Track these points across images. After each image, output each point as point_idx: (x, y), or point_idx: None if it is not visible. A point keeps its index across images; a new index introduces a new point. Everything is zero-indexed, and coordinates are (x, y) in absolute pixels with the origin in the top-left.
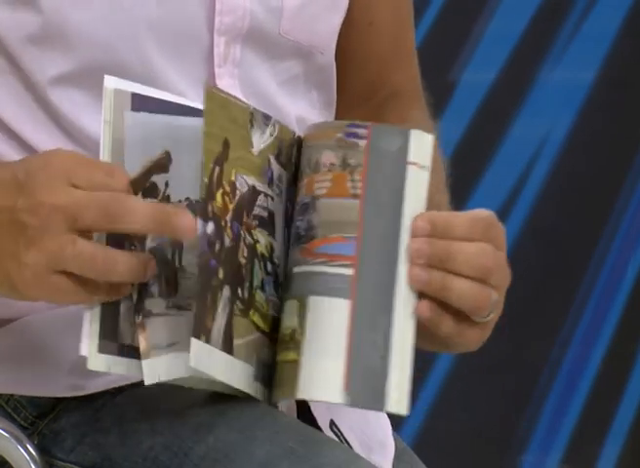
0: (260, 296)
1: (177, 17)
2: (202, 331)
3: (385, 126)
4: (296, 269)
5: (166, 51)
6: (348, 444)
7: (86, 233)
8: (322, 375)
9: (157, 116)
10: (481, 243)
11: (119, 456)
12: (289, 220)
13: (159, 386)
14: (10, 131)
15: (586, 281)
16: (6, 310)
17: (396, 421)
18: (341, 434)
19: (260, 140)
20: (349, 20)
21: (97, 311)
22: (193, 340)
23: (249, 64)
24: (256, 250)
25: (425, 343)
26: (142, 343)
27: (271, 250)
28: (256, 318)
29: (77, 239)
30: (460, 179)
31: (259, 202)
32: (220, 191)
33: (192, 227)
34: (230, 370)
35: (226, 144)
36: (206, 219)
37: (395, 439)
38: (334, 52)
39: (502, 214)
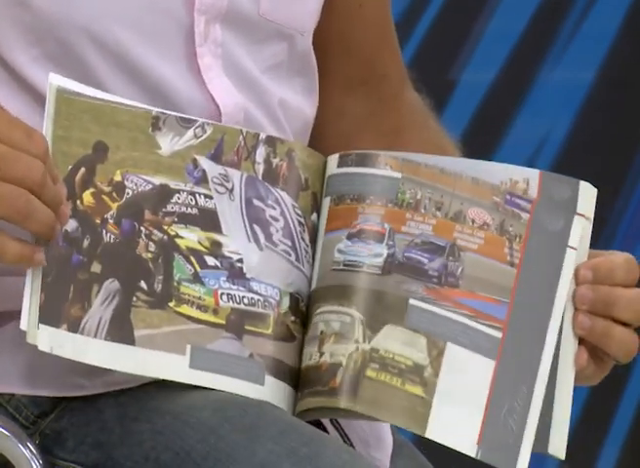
0: (191, 289)
1: None
2: (54, 320)
3: (549, 204)
4: (415, 302)
5: (144, 31)
6: (348, 438)
7: None
8: (458, 425)
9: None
10: (638, 289)
11: (121, 456)
12: (265, 220)
13: (160, 386)
14: None
15: None
16: (7, 303)
17: None
18: (341, 429)
19: (174, 142)
20: (341, 3)
21: (37, 284)
22: (41, 326)
23: (231, 46)
24: (176, 244)
25: None
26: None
27: (217, 245)
28: (185, 309)
29: None
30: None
31: (175, 199)
32: (91, 190)
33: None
34: (126, 359)
35: (100, 147)
36: None
37: (394, 433)
38: (311, 36)
39: None
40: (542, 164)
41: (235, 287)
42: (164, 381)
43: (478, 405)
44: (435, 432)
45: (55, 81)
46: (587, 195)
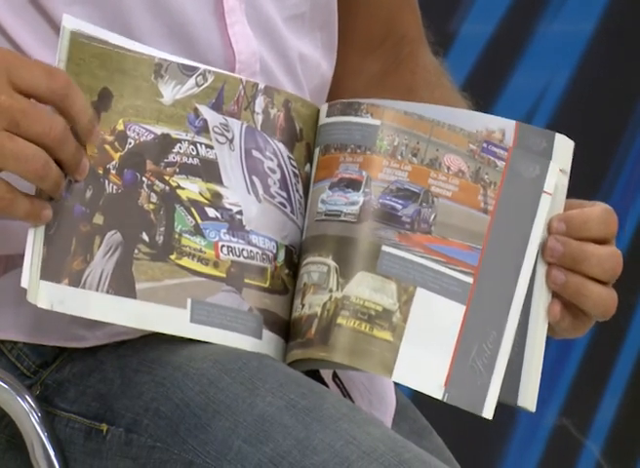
0: (192, 241)
1: None
2: (56, 275)
3: (525, 153)
4: (387, 248)
5: None
6: (350, 396)
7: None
8: (425, 368)
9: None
10: (612, 246)
11: (121, 407)
12: (263, 172)
13: (161, 337)
14: (14, 45)
15: None
16: (7, 245)
17: None
18: (343, 386)
19: (176, 91)
20: None
21: (40, 238)
22: (42, 283)
23: None
24: (177, 195)
25: None
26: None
27: (217, 196)
28: (186, 262)
29: (16, 137)
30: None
31: (177, 149)
32: None
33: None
34: (127, 312)
35: (105, 94)
36: None
37: (398, 394)
38: None
39: None
40: (542, 116)
41: (235, 239)
42: (164, 333)
43: (446, 348)
44: (402, 375)
45: (68, 24)
46: (563, 147)
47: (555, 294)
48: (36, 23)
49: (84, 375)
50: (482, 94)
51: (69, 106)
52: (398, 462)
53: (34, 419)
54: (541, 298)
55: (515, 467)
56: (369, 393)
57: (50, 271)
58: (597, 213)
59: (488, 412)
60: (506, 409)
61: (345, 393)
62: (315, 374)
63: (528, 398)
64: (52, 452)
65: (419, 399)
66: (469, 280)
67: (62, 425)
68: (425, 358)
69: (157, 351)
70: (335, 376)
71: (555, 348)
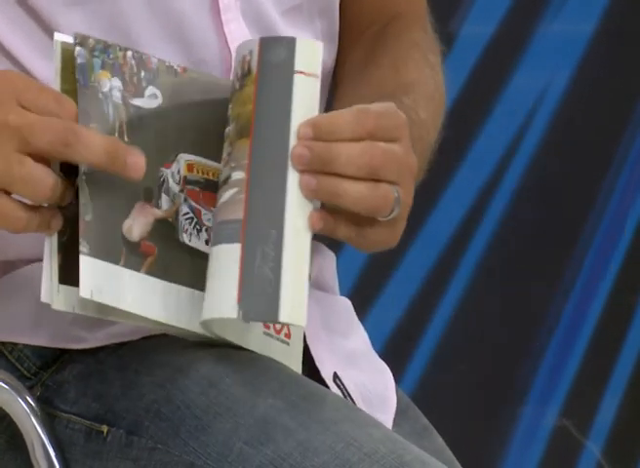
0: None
1: None
2: (74, 278)
3: (272, 37)
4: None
5: None
6: (351, 397)
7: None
8: (217, 294)
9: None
10: (366, 141)
11: (122, 409)
12: None
13: (161, 338)
14: (9, 56)
15: (586, 233)
16: (9, 251)
17: (395, 374)
18: (344, 387)
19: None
20: None
21: (54, 247)
22: (61, 288)
23: None
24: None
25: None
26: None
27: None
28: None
29: (26, 159)
30: (460, 131)
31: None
32: None
33: (142, 166)
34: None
35: None
36: None
37: (399, 394)
38: None
39: (501, 167)
40: (542, 116)
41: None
42: (164, 333)
43: (234, 267)
44: (203, 314)
45: (60, 38)
46: (307, 50)
47: (323, 206)
48: (32, 33)
49: (84, 377)
50: (482, 94)
51: (77, 152)
52: (399, 464)
53: (35, 420)
54: (298, 209)
55: (516, 467)
56: (370, 394)
57: (68, 275)
58: (347, 113)
59: (285, 317)
60: (508, 408)
61: (346, 394)
62: (316, 376)
63: (293, 313)
64: (52, 453)
65: (419, 399)
66: (243, 175)
67: (63, 426)
68: (218, 285)
69: (158, 352)
70: (336, 377)
71: (556, 349)
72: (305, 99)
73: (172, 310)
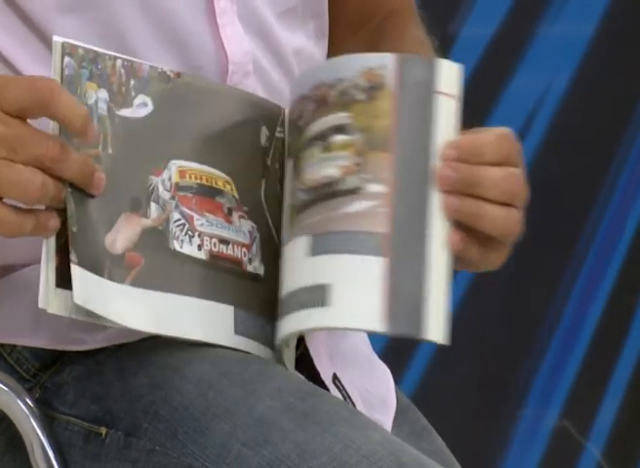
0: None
1: None
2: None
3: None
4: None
5: None
6: (350, 399)
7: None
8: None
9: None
10: (508, 167)
11: (120, 410)
12: None
13: (159, 340)
14: (6, 62)
15: (586, 233)
16: (7, 255)
17: (395, 374)
18: (344, 388)
19: None
20: None
21: (52, 250)
22: (58, 291)
23: None
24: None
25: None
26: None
27: None
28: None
29: (11, 164)
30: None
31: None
32: None
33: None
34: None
35: None
36: None
37: (399, 395)
38: None
39: None
40: (543, 117)
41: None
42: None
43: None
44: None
45: (59, 40)
46: (448, 72)
47: (458, 225)
48: (27, 40)
49: (83, 378)
50: (483, 95)
51: (56, 112)
52: (397, 466)
53: (34, 422)
54: (439, 228)
55: None
56: (369, 395)
57: (65, 278)
58: (490, 137)
59: (431, 334)
60: (508, 410)
61: (346, 395)
62: (316, 377)
63: (434, 331)
64: (51, 455)
65: (419, 399)
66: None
67: (62, 428)
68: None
69: (156, 354)
70: (335, 379)
71: (556, 350)
72: (446, 120)
73: (160, 319)
